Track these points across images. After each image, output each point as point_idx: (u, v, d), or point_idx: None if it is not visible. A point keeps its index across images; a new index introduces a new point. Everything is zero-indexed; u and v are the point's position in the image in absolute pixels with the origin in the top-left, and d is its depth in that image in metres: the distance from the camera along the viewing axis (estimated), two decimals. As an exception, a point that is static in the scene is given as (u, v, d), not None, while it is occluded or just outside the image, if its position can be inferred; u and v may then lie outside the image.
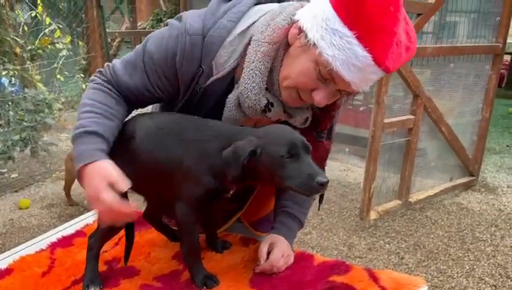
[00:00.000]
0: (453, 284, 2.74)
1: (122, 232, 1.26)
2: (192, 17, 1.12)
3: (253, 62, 1.07)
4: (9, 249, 1.43)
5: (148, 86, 1.16)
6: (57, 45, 4.86)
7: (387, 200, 3.63)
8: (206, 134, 1.07)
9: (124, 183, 1.01)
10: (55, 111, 4.35)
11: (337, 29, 0.97)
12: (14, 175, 4.19)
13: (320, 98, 1.06)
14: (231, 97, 1.12)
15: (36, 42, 4.52)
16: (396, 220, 3.54)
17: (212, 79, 1.12)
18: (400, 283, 1.15)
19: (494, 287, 2.73)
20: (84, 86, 5.48)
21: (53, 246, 1.39)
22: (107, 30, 4.70)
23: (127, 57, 1.20)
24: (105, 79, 1.18)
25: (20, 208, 3.68)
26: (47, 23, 4.93)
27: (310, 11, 1.03)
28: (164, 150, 1.09)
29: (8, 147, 3.91)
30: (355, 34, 0.97)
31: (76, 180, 3.08)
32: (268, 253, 1.22)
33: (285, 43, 1.08)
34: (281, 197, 1.34)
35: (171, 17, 1.21)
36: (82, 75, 5.38)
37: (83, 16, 4.52)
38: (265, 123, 1.16)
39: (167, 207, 1.24)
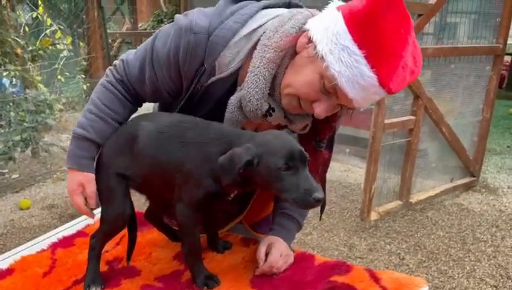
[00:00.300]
0: (454, 285, 2.74)
1: (124, 232, 1.27)
2: (198, 16, 1.12)
3: (258, 67, 1.07)
4: (10, 250, 1.44)
5: (156, 82, 1.18)
6: (57, 45, 4.87)
7: (388, 201, 3.62)
8: (208, 137, 1.07)
9: (94, 203, 1.20)
10: (56, 112, 4.35)
11: (347, 46, 0.98)
12: (15, 176, 4.19)
13: (320, 110, 1.07)
14: (233, 99, 1.12)
15: (37, 43, 4.52)
16: (397, 221, 3.54)
17: (214, 78, 1.12)
18: (401, 283, 1.15)
19: (494, 288, 2.73)
20: (85, 87, 5.49)
21: (54, 246, 1.40)
22: (108, 31, 4.70)
23: (139, 52, 1.21)
24: (118, 77, 1.21)
25: (21, 209, 3.67)
26: (48, 24, 4.94)
27: (322, 23, 1.02)
28: (166, 154, 1.09)
29: (9, 147, 3.91)
30: (364, 53, 0.97)
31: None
32: (267, 254, 1.23)
33: (291, 51, 1.08)
34: (280, 199, 1.34)
35: (172, 18, 1.21)
36: (83, 75, 5.38)
37: (84, 16, 4.53)
38: (267, 127, 1.16)
39: (169, 208, 1.25)
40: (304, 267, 1.24)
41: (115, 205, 1.15)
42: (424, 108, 3.49)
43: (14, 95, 4.16)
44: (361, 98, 1.02)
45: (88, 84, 4.92)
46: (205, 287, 1.15)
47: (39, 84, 4.36)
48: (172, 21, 1.17)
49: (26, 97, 4.08)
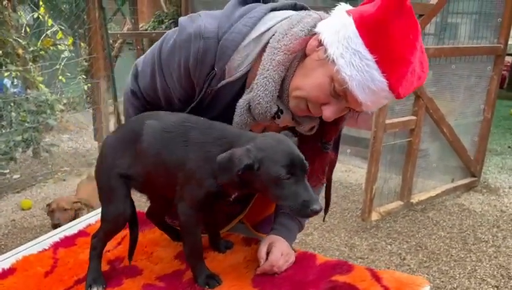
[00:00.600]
0: (455, 285, 2.74)
1: (125, 231, 1.27)
2: (207, 19, 1.12)
3: (267, 70, 1.07)
4: (11, 250, 1.44)
5: (168, 90, 1.19)
6: (59, 46, 4.87)
7: (389, 201, 3.62)
8: (210, 136, 1.07)
9: None
10: (57, 112, 4.36)
11: (358, 50, 0.98)
12: (16, 176, 4.20)
13: (329, 112, 1.07)
14: (242, 102, 1.12)
15: (38, 43, 4.53)
16: (398, 221, 3.54)
17: (223, 82, 1.12)
18: (403, 283, 1.15)
19: (496, 288, 2.73)
20: (86, 87, 5.49)
21: (56, 246, 1.40)
22: (109, 31, 4.70)
23: (147, 59, 1.23)
24: (132, 89, 1.26)
25: (22, 209, 3.68)
26: (49, 24, 4.94)
27: (332, 26, 1.03)
28: (169, 152, 1.09)
29: (10, 147, 3.91)
30: (375, 58, 0.97)
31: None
32: (268, 253, 1.23)
33: (301, 54, 1.08)
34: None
35: (173, 19, 1.21)
36: (84, 76, 5.38)
37: (85, 17, 4.52)
38: (274, 128, 1.16)
39: (171, 207, 1.25)
40: (305, 266, 1.24)
41: (116, 204, 1.15)
42: (425, 108, 3.49)
43: (16, 96, 4.16)
44: (370, 102, 1.03)
45: (89, 85, 4.92)
46: (207, 287, 1.15)
47: (40, 85, 4.37)
48: (174, 22, 1.17)
49: (27, 97, 4.08)
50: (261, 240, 1.31)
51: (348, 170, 4.56)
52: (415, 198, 3.73)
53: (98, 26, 4.39)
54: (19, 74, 4.26)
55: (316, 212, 0.99)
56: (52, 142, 4.67)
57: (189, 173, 1.07)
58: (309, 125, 1.17)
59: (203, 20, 1.11)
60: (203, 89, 1.13)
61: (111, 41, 5.16)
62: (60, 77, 4.91)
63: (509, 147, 5.50)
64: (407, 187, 3.64)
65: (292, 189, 0.99)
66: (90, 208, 2.71)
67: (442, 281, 2.78)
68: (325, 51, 1.02)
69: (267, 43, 1.09)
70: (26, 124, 4.01)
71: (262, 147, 1.00)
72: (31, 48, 4.32)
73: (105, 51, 4.57)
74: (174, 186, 1.10)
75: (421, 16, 3.16)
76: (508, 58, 7.27)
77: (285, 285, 1.16)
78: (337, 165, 1.35)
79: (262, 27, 1.11)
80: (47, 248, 1.39)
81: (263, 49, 1.09)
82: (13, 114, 4.00)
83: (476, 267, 2.92)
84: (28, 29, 4.95)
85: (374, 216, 3.45)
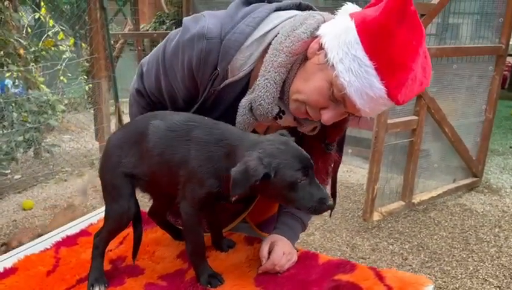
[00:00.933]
0: (457, 285, 2.73)
1: (127, 231, 1.27)
2: (210, 20, 1.11)
3: (269, 72, 1.07)
4: (13, 250, 1.43)
5: (172, 90, 1.19)
6: (60, 46, 4.87)
7: (391, 201, 3.62)
8: (212, 137, 1.06)
9: None
10: (58, 112, 4.35)
11: (357, 56, 0.97)
12: (17, 176, 4.20)
13: (328, 117, 1.06)
14: (244, 102, 1.12)
15: (40, 44, 4.53)
16: (400, 221, 3.53)
17: (226, 82, 1.11)
18: (406, 282, 1.15)
19: (498, 288, 2.72)
20: (87, 88, 5.50)
21: (57, 245, 1.39)
22: (110, 32, 4.70)
23: (151, 60, 1.23)
24: (137, 88, 1.27)
25: (24, 209, 3.68)
26: (50, 25, 4.95)
27: (334, 30, 1.02)
28: (173, 151, 1.09)
29: (11, 148, 3.91)
30: (374, 65, 0.96)
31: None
32: (270, 252, 1.22)
33: (302, 56, 1.07)
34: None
35: (174, 20, 1.21)
36: (85, 76, 5.39)
37: (86, 17, 4.53)
38: (276, 128, 1.16)
39: (173, 206, 1.24)
40: (308, 265, 1.24)
41: (120, 203, 1.15)
42: (427, 108, 3.48)
43: (17, 96, 4.16)
44: (369, 108, 1.02)
45: (90, 85, 4.93)
46: (209, 286, 1.15)
47: (41, 85, 4.36)
48: (175, 22, 1.16)
49: (28, 98, 4.08)
50: (263, 239, 1.31)
51: (350, 170, 4.56)
52: (417, 198, 3.72)
53: (99, 27, 4.39)
54: (20, 74, 4.26)
55: (331, 207, 1.03)
56: (54, 142, 4.67)
57: (191, 172, 1.06)
58: (311, 126, 1.16)
59: (207, 21, 1.11)
60: (207, 89, 1.13)
61: (112, 41, 5.15)
62: (61, 78, 4.91)
63: (510, 147, 5.49)
64: (409, 187, 3.63)
65: (307, 190, 1.01)
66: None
67: (444, 281, 2.77)
68: (326, 55, 1.01)
69: (270, 43, 1.09)
70: (28, 125, 4.01)
71: (273, 153, 1.00)
72: (33, 49, 4.31)
73: (106, 52, 4.57)
74: (177, 185, 1.10)
75: (422, 15, 3.16)
76: (509, 59, 7.27)
77: (288, 284, 1.16)
78: (339, 165, 1.35)
79: (265, 27, 1.11)
80: (49, 247, 1.39)
81: (266, 50, 1.09)
82: (14, 114, 4.00)
83: (478, 268, 2.92)
84: (29, 30, 4.95)
85: (376, 216, 3.44)
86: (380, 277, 1.17)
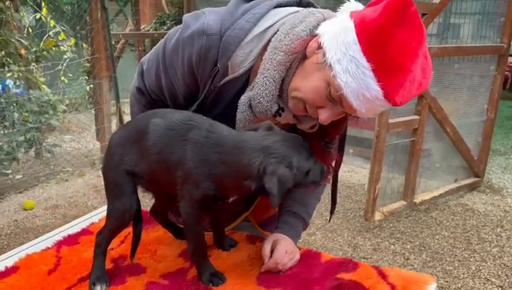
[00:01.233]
0: (459, 285, 2.73)
1: (128, 229, 1.26)
2: (210, 16, 1.11)
3: (268, 70, 1.06)
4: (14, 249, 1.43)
5: (173, 88, 1.19)
6: (61, 47, 4.88)
7: (392, 201, 3.61)
8: (209, 141, 1.06)
9: None
10: (59, 113, 4.35)
11: (355, 57, 0.96)
12: (18, 176, 4.20)
13: (325, 117, 1.06)
14: (244, 99, 1.11)
15: (41, 44, 4.53)
16: (401, 221, 3.52)
17: (227, 78, 1.11)
18: (409, 281, 1.14)
19: (500, 288, 2.71)
20: (88, 88, 5.50)
21: (59, 245, 1.39)
22: (111, 32, 4.70)
23: (151, 58, 1.22)
24: (138, 86, 1.26)
25: (25, 209, 3.68)
26: (51, 25, 4.95)
27: (333, 29, 1.01)
28: (170, 150, 1.08)
29: (12, 148, 3.91)
30: (372, 67, 0.95)
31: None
32: (272, 251, 1.22)
33: (301, 55, 1.07)
34: (286, 197, 1.33)
35: (175, 20, 1.21)
36: (86, 77, 5.39)
37: (87, 18, 4.53)
38: (276, 124, 1.16)
39: (174, 205, 1.24)
40: (310, 264, 1.24)
41: (122, 200, 1.14)
42: (428, 108, 3.48)
43: (18, 96, 4.17)
44: (365, 109, 1.01)
45: (91, 85, 4.93)
46: (210, 284, 1.14)
47: (43, 85, 4.37)
48: (176, 23, 1.16)
49: (29, 98, 4.08)
50: (265, 238, 1.30)
51: (351, 170, 4.55)
52: (418, 198, 3.72)
53: (100, 27, 4.39)
54: (21, 74, 4.26)
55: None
56: (55, 142, 4.67)
57: (187, 173, 1.06)
58: (310, 123, 1.16)
59: (207, 17, 1.10)
60: (207, 85, 1.13)
61: (113, 42, 5.16)
62: (62, 78, 4.91)
63: (512, 147, 5.49)
64: (410, 187, 3.62)
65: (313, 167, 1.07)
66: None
67: (447, 281, 2.76)
68: (324, 54, 1.00)
69: (270, 40, 1.08)
70: (29, 125, 4.01)
71: (285, 153, 1.01)
72: (34, 49, 4.32)
73: (107, 52, 4.57)
74: (176, 185, 1.10)
75: (424, 14, 3.15)
76: (511, 59, 7.26)
77: (290, 283, 1.15)
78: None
79: (265, 23, 1.10)
80: (50, 246, 1.38)
81: (266, 46, 1.08)
82: (16, 114, 4.00)
83: (480, 267, 2.91)
84: (30, 30, 4.96)
85: (377, 216, 3.44)
86: (382, 276, 1.16)
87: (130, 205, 1.14)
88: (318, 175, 1.07)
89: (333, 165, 1.30)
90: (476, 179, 4.16)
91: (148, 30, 6.90)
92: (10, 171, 4.16)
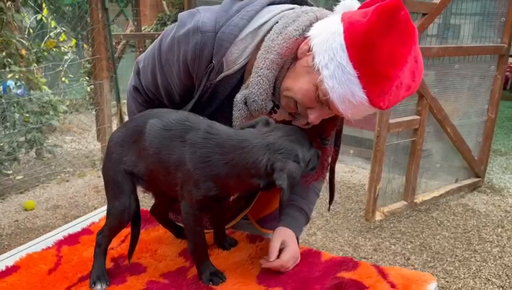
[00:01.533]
0: (460, 285, 2.72)
1: (129, 229, 1.26)
2: (205, 14, 1.12)
3: (261, 68, 1.07)
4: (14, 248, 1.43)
5: (168, 86, 1.19)
6: (62, 47, 4.89)
7: (393, 201, 3.61)
8: (208, 142, 1.05)
9: None
10: (60, 113, 4.36)
11: (342, 64, 0.97)
12: (19, 177, 4.20)
13: (314, 117, 1.08)
14: (239, 97, 1.12)
15: (41, 45, 4.54)
16: (402, 221, 3.52)
17: (222, 75, 1.11)
18: (409, 279, 1.14)
19: (501, 288, 2.71)
20: (88, 89, 5.50)
21: (59, 244, 1.39)
22: (112, 33, 4.71)
23: (147, 56, 1.23)
24: (134, 85, 1.27)
25: (25, 209, 3.68)
26: (52, 26, 4.96)
27: (323, 33, 1.02)
28: (168, 151, 1.08)
29: (13, 148, 3.92)
30: (357, 74, 0.96)
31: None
32: (280, 251, 1.21)
33: (293, 55, 1.08)
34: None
35: (175, 21, 1.21)
36: (87, 77, 5.40)
37: (88, 19, 4.54)
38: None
39: (174, 205, 1.24)
40: (310, 263, 1.24)
41: (121, 200, 1.14)
42: (429, 108, 3.47)
43: (19, 97, 4.17)
44: (351, 114, 1.03)
45: (92, 86, 4.94)
46: (210, 283, 1.14)
47: (43, 86, 4.38)
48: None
49: (30, 98, 4.09)
50: (267, 236, 1.30)
51: (351, 171, 4.55)
52: (419, 198, 3.71)
53: (101, 28, 4.39)
54: (22, 75, 4.26)
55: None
56: (55, 143, 4.68)
57: (187, 173, 1.06)
58: (305, 120, 1.16)
59: (201, 15, 1.12)
60: (202, 83, 1.13)
61: (114, 42, 5.17)
62: (63, 78, 4.92)
63: (513, 147, 5.48)
64: (411, 187, 3.62)
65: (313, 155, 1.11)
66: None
67: (447, 281, 2.76)
68: (313, 58, 1.02)
69: (264, 37, 1.09)
70: (30, 125, 4.01)
71: (291, 147, 1.03)
72: (34, 50, 4.33)
73: (108, 53, 4.58)
74: (175, 185, 1.10)
75: (424, 14, 3.16)
76: (510, 60, 7.25)
77: (291, 282, 1.15)
78: (340, 166, 1.36)
79: (259, 20, 1.11)
80: (51, 245, 1.38)
81: (260, 43, 1.09)
82: (16, 115, 4.01)
83: (481, 268, 2.91)
84: (31, 31, 4.97)
85: (378, 216, 3.44)
86: (383, 274, 1.16)
87: (129, 205, 1.15)
88: (315, 160, 1.10)
89: (329, 161, 1.30)
90: (477, 179, 4.16)
91: (149, 31, 6.91)
92: (11, 171, 4.17)
